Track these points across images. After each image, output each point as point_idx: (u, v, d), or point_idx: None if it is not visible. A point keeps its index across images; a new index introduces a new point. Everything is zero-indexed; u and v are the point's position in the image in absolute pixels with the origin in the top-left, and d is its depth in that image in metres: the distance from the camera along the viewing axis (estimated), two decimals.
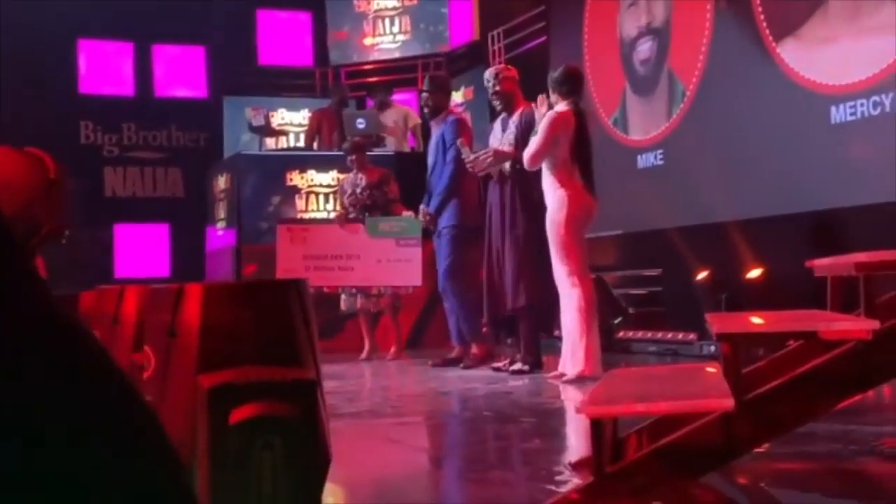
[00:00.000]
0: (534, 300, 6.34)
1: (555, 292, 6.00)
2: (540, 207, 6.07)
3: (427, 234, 7.63)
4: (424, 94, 7.42)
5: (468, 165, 6.67)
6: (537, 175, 6.07)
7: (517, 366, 6.44)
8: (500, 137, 6.62)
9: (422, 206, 7.38)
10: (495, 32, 11.37)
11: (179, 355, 1.59)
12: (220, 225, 10.13)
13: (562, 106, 5.94)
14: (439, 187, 7.23)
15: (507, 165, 6.46)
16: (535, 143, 5.88)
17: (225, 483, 1.49)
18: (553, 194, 5.88)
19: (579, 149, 5.88)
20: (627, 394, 2.67)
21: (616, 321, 8.34)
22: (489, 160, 6.48)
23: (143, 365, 1.66)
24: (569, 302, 5.84)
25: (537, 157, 5.87)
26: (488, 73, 6.81)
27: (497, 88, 6.62)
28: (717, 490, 2.74)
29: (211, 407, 1.49)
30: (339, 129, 10.04)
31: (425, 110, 7.05)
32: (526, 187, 6.36)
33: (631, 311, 8.36)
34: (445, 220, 7.22)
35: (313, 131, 10.63)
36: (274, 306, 1.62)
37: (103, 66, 12.87)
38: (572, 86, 6.02)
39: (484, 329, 7.06)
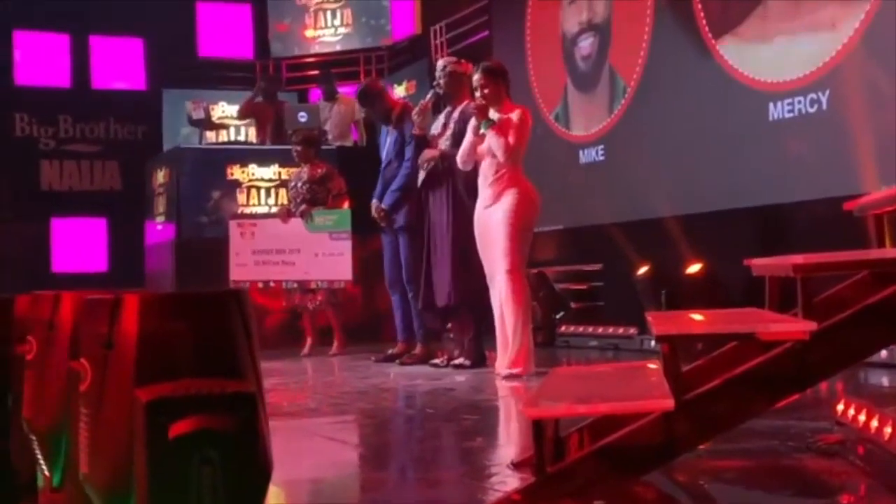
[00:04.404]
0: (474, 297, 6.32)
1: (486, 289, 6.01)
2: (472, 205, 6.09)
3: (374, 229, 7.49)
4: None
5: (422, 164, 6.61)
6: (469, 173, 6.10)
7: (459, 360, 6.44)
8: (440, 128, 6.61)
9: (374, 201, 7.24)
10: (438, 26, 11.35)
11: (116, 368, 1.56)
12: (159, 219, 10.00)
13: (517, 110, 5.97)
14: (395, 184, 7.10)
15: (441, 163, 6.48)
16: (501, 142, 5.76)
17: (164, 499, 1.47)
18: (507, 191, 5.83)
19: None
20: (569, 394, 2.68)
21: (558, 316, 8.39)
22: (436, 157, 6.49)
23: (80, 374, 1.63)
24: (505, 299, 5.83)
25: (513, 153, 5.81)
26: (439, 64, 6.75)
27: (441, 81, 6.57)
28: (658, 488, 2.77)
29: (149, 421, 1.47)
30: (273, 123, 9.95)
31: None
32: (459, 186, 6.37)
33: (572, 305, 8.42)
34: (402, 218, 7.08)
35: (245, 114, 10.62)
36: (214, 317, 1.59)
37: (39, 58, 12.65)
38: (507, 81, 6.04)
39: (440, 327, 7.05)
